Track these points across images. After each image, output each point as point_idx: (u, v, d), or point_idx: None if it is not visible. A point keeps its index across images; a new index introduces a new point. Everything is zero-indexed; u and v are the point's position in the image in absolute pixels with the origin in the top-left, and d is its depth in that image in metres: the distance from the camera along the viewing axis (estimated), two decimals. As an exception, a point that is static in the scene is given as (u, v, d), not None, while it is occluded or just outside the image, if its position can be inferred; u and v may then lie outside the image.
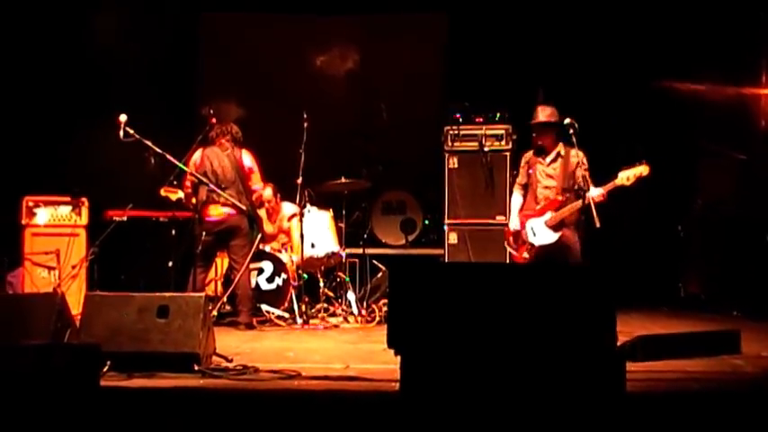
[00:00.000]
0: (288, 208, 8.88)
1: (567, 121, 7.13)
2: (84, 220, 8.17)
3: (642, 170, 6.92)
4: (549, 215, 7.28)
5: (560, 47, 9.93)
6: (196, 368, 5.23)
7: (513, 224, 7.54)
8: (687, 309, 9.10)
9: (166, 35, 9.91)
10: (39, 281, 7.88)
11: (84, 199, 8.20)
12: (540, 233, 7.31)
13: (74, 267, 7.83)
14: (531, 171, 7.48)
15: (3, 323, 5.36)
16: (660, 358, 5.61)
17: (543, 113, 7.40)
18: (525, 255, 7.39)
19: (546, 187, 7.39)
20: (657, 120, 9.88)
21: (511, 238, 7.56)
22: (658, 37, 9.58)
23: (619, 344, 4.34)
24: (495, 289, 3.97)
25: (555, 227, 7.25)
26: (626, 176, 6.93)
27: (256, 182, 7.98)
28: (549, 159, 7.42)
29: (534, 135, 7.51)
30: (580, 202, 7.08)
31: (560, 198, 7.28)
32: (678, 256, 9.85)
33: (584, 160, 7.21)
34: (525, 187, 7.57)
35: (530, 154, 7.57)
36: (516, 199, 7.63)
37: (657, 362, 5.53)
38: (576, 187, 7.26)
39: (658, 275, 9.85)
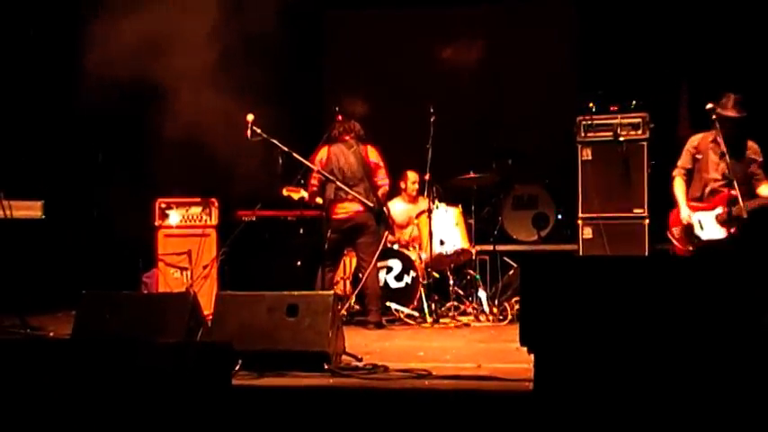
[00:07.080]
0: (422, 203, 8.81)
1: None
2: (215, 220, 8.29)
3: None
4: (719, 209, 6.85)
5: (698, 30, 9.48)
6: (326, 367, 5.18)
7: (685, 214, 7.00)
8: None
9: (291, 33, 9.97)
10: (172, 281, 8.05)
11: (214, 199, 8.33)
12: (709, 228, 6.87)
13: (205, 267, 7.94)
14: (699, 156, 7.04)
15: (139, 322, 5.47)
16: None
17: (738, 107, 6.90)
18: (690, 248, 6.94)
19: (715, 179, 6.95)
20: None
21: (675, 229, 7.08)
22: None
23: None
24: (633, 283, 3.80)
25: (725, 222, 6.82)
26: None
27: (382, 178, 7.92)
28: (723, 149, 6.86)
29: (720, 125, 6.90)
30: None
31: (734, 192, 6.77)
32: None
33: (759, 153, 6.82)
34: (689, 173, 7.12)
35: (699, 137, 7.11)
36: (680, 185, 7.12)
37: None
38: (749, 181, 6.84)
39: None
